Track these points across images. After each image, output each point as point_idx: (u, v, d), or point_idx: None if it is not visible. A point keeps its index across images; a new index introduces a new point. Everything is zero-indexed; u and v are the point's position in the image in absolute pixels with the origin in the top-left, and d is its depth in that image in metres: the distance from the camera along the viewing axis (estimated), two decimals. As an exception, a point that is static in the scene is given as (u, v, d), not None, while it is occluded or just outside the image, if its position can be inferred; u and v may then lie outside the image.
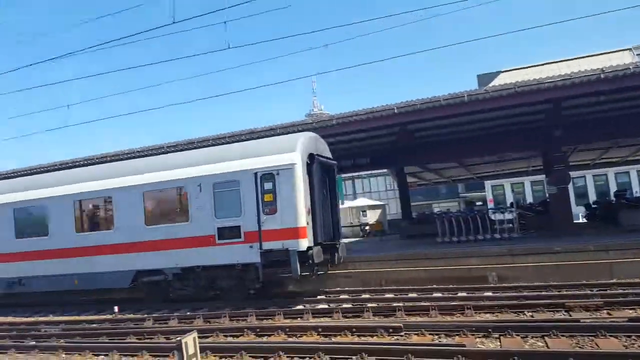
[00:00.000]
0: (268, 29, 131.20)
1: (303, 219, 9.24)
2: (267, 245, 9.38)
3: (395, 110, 11.45)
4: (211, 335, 8.11)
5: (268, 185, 9.49)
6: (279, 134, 11.37)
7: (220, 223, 9.83)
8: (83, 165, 13.74)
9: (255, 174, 9.60)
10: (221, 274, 10.05)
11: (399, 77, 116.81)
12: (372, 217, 24.05)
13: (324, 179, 10.31)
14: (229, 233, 9.69)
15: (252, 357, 6.81)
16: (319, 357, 6.22)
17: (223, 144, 12.13)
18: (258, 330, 8.09)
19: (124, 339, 8.51)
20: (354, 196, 34.88)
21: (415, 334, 6.90)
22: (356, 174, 34.47)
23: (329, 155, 10.99)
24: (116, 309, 11.06)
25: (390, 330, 7.00)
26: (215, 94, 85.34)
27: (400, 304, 8.42)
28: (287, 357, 6.46)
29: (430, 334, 6.82)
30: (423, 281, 10.33)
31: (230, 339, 7.97)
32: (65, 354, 7.96)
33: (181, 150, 12.60)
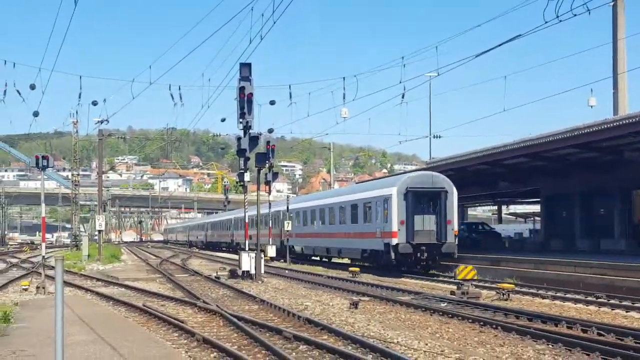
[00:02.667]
0: None
1: (395, 227, 35.13)
2: (385, 240, 36.39)
3: None
4: None
5: (385, 205, 36.62)
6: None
7: (377, 227, 37.93)
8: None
9: (382, 197, 37.08)
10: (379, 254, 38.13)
11: None
12: None
13: (427, 202, 35.67)
14: (379, 232, 37.30)
15: None
16: None
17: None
18: None
19: None
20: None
21: None
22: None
23: (442, 186, 35.76)
24: None
25: None
26: None
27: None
28: None
29: None
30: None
31: None
32: None
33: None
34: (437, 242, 35.24)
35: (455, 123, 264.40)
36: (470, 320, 18.71)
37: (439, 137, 71.71)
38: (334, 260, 48.55)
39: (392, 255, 35.25)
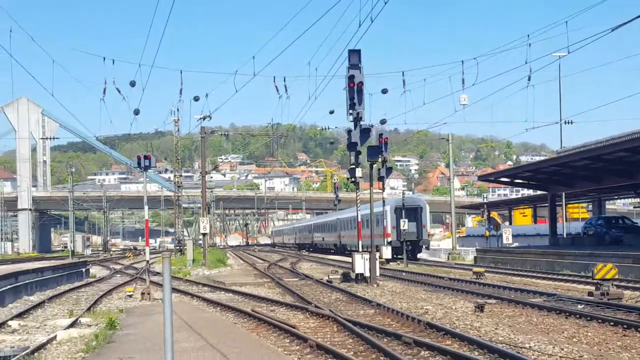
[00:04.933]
0: None
1: (390, 230, 66.01)
2: (385, 239, 64.24)
3: None
4: None
5: (384, 216, 65.46)
6: None
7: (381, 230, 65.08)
8: None
9: (383, 211, 64.42)
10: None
11: None
12: None
13: (410, 214, 63.02)
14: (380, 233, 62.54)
15: None
16: None
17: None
18: None
19: None
20: None
21: None
22: None
23: (419, 204, 67.06)
24: None
25: None
26: None
27: None
28: None
29: None
30: None
31: None
32: None
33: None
34: (416, 240, 62.82)
35: (589, 107, 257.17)
36: (611, 323, 18.32)
37: (571, 122, 69.49)
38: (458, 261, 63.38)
39: (390, 250, 58.39)
